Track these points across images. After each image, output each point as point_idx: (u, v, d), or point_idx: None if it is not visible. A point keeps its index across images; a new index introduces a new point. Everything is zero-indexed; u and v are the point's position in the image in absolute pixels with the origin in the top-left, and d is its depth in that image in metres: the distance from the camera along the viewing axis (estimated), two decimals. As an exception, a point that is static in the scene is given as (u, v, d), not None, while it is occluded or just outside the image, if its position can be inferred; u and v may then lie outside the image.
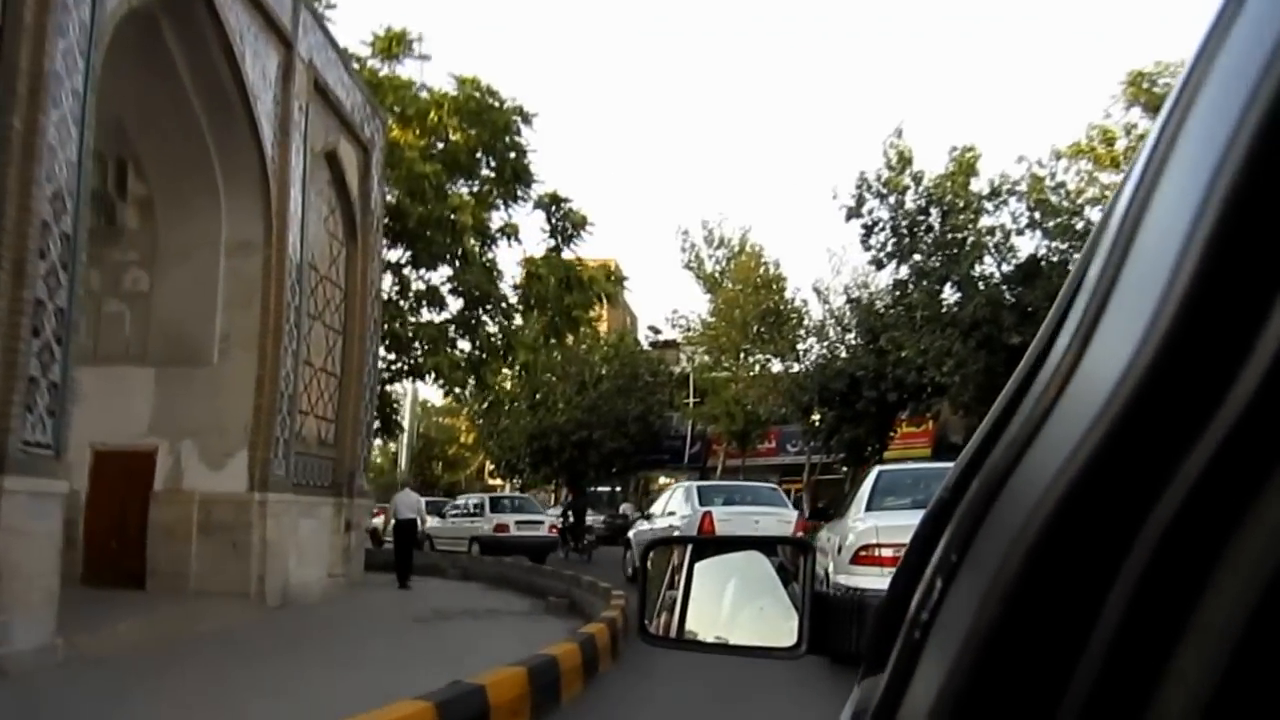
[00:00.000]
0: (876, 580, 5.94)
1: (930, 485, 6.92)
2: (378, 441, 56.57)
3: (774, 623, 1.20)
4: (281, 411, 10.85)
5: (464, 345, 20.45)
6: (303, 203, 11.42)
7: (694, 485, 15.55)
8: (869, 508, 7.51)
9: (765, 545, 1.46)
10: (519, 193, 20.42)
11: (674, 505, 14.98)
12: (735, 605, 1.39)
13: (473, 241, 17.62)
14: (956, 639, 0.42)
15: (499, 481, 45.13)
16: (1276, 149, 0.31)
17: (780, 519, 13.48)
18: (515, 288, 20.07)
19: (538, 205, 20.95)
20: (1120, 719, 0.33)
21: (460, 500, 24.82)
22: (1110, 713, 0.34)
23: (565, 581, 13.05)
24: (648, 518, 16.25)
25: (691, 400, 34.80)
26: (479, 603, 12.05)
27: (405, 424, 47.14)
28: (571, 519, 22.35)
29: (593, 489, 37.31)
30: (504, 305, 19.71)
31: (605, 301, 20.65)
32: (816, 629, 1.08)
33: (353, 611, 11.17)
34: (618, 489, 40.48)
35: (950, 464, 0.73)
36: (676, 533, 13.63)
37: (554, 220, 21.07)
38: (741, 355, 31.52)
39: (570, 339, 20.41)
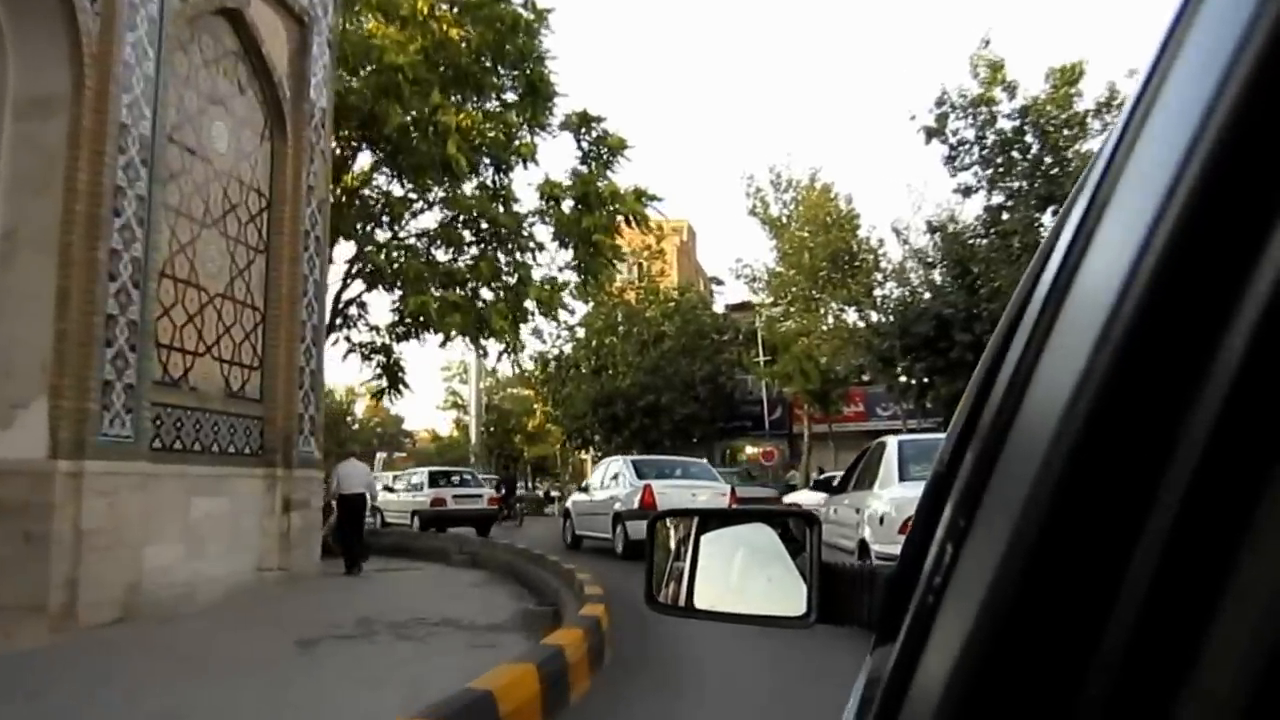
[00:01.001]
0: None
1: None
2: (449, 414, 54.38)
3: (783, 593, 1.18)
4: (117, 343, 7.40)
5: (486, 294, 16.87)
6: (156, 58, 7.87)
7: (630, 460, 15.95)
8: (902, 478, 7.55)
9: (771, 518, 1.35)
10: (544, 112, 16.61)
11: (611, 479, 15.24)
12: (744, 575, 1.37)
13: (456, 149, 13.82)
14: (973, 603, 0.41)
15: (584, 455, 41.79)
16: (1234, 145, 0.32)
17: (716, 491, 14.24)
18: (534, 216, 16.30)
19: (564, 127, 17.15)
20: (1155, 678, 0.32)
21: (405, 474, 24.74)
22: (1145, 672, 0.33)
23: (560, 578, 9.46)
24: (585, 490, 16.61)
25: (761, 358, 30.68)
26: (440, 606, 8.57)
27: (472, 393, 44.75)
28: (504, 491, 25.04)
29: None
30: (523, 240, 15.94)
31: (636, 224, 16.73)
32: (826, 599, 1.09)
33: (240, 623, 7.78)
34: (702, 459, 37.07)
35: None
36: (617, 504, 14.10)
37: (585, 145, 17.23)
38: (813, 305, 27.39)
39: (593, 277, 16.48)
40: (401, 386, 17.76)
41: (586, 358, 34.78)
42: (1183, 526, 0.32)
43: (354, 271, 15.61)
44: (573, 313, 18.53)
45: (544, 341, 35.44)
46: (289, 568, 10.20)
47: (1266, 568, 0.29)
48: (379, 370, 17.37)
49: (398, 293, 15.81)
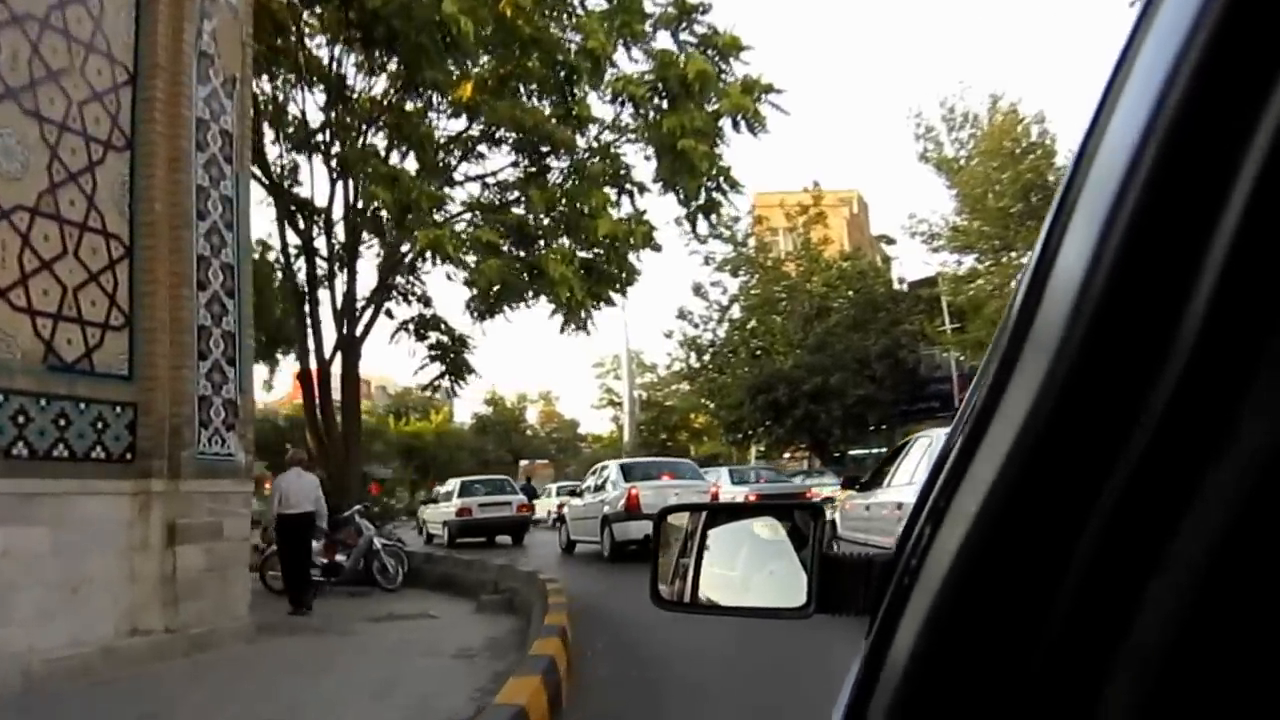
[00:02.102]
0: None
1: None
2: (606, 412, 51.59)
3: (785, 585, 1.20)
4: None
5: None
6: None
7: (618, 463, 16.12)
8: None
9: (779, 511, 1.38)
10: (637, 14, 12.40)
11: (601, 484, 15.34)
12: (747, 570, 1.39)
13: (457, 8, 9.73)
14: (939, 580, 0.45)
15: (750, 451, 37.22)
16: (1178, 147, 0.35)
17: (698, 490, 14.13)
18: (608, 131, 12.06)
19: (660, 24, 12.83)
20: (1095, 646, 0.37)
21: (444, 486, 24.09)
22: (1085, 641, 0.38)
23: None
24: (578, 495, 16.72)
25: (948, 325, 25.00)
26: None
27: (625, 388, 41.24)
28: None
29: (844, 452, 29.94)
30: (594, 166, 11.75)
31: (747, 128, 12.08)
32: (825, 589, 1.10)
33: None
34: (882, 450, 31.86)
35: None
36: (606, 508, 14.13)
37: (686, 42, 12.84)
38: (1004, 257, 21.74)
39: (699, 208, 12.03)
40: (463, 375, 14.21)
41: (743, 340, 30.21)
42: (1123, 518, 0.36)
43: (350, 216, 12.03)
44: (658, 249, 14.11)
45: (694, 325, 31.26)
46: (181, 628, 6.45)
47: (1196, 550, 0.34)
48: (435, 352, 13.87)
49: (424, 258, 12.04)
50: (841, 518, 10.09)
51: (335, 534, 13.11)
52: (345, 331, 15.14)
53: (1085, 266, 0.38)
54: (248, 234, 7.91)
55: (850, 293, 28.39)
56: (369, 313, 15.06)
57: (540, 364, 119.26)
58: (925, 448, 8.31)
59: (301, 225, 14.30)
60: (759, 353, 30.21)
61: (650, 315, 74.46)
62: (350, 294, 14.74)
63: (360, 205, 12.65)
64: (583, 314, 13.60)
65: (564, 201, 12.31)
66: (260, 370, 17.08)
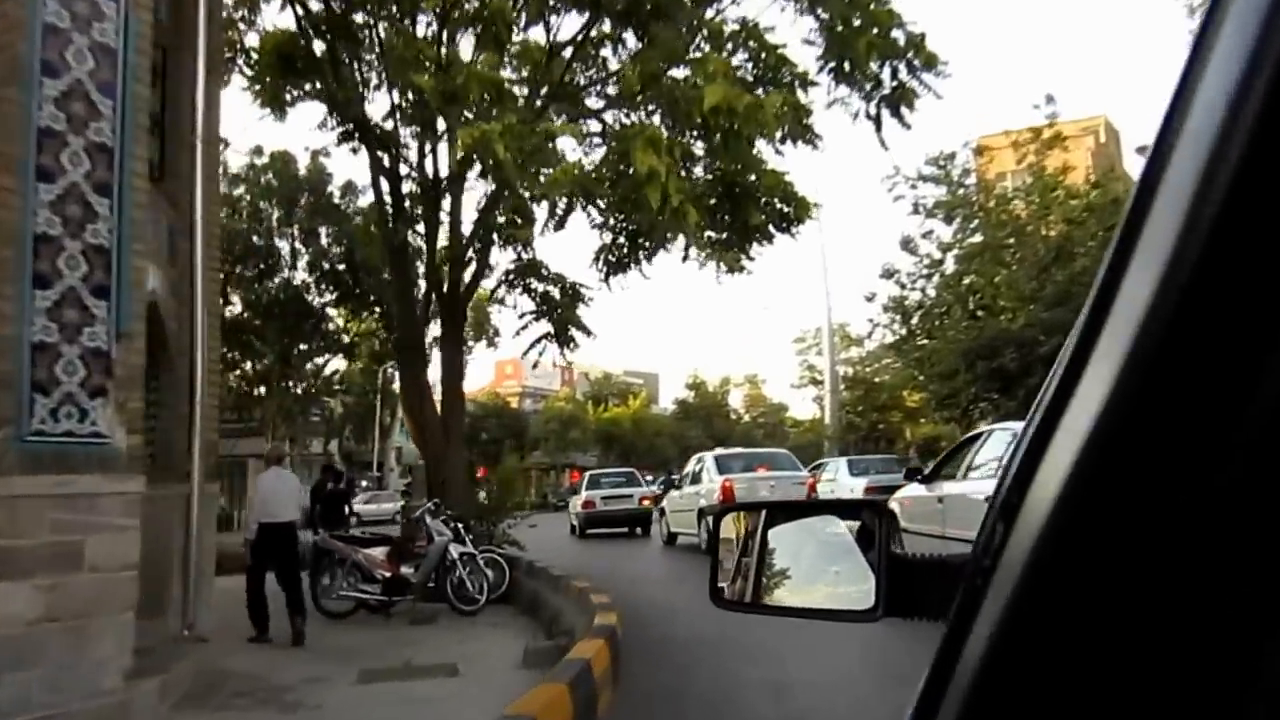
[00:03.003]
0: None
1: None
2: (807, 392, 47.85)
3: (850, 586, 1.16)
4: None
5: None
6: None
7: (713, 455, 16.21)
8: None
9: (842, 510, 1.37)
10: None
11: (697, 476, 15.54)
12: (811, 569, 1.34)
13: None
14: (1011, 581, 0.44)
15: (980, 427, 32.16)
16: (1250, 163, 0.35)
17: (795, 481, 14.54)
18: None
19: None
20: (1180, 653, 0.37)
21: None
22: (1168, 647, 0.37)
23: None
24: (677, 487, 17.14)
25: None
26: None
27: (826, 364, 37.16)
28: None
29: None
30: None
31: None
32: (893, 591, 1.07)
33: None
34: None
35: None
36: (702, 501, 14.52)
37: None
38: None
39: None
40: (569, 338, 11.79)
41: (958, 298, 25.50)
42: (1193, 523, 0.37)
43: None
44: (814, 142, 10.49)
45: (902, 285, 26.93)
46: None
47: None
48: (540, 308, 11.42)
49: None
50: (901, 513, 9.44)
51: (406, 541, 10.98)
52: (443, 290, 12.75)
53: (1166, 258, 0.38)
54: (144, 104, 5.24)
55: (1100, 232, 22.90)
56: (470, 269, 12.64)
57: (745, 345, 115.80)
58: (1006, 441, 8.14)
59: (387, 163, 12.08)
60: (979, 312, 25.25)
61: (858, 284, 68.73)
62: (454, 236, 12.39)
63: (402, 104, 10.14)
64: (705, 237, 10.30)
65: (664, 72, 9.04)
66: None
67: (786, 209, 12.74)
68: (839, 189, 71.22)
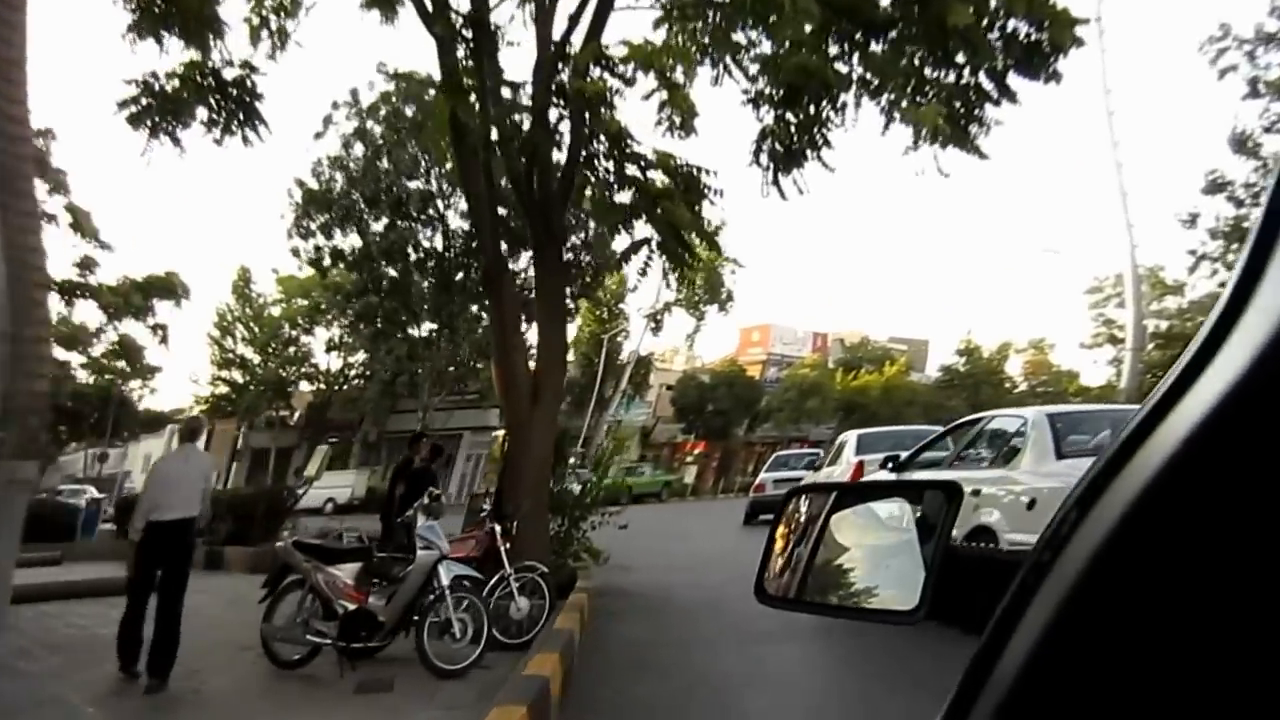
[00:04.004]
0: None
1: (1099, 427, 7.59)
2: (1102, 353, 39.64)
3: (898, 583, 1.14)
4: None
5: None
6: None
7: (856, 434, 14.93)
8: (1059, 456, 7.24)
9: (911, 491, 1.29)
10: None
11: (838, 455, 14.69)
12: (864, 562, 1.28)
13: None
14: (1072, 576, 0.44)
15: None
16: None
17: None
18: None
19: None
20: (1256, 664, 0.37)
21: None
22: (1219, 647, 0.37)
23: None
24: (815, 468, 16.00)
25: None
26: None
27: (1129, 314, 29.35)
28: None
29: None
30: None
31: None
32: (941, 591, 1.03)
33: None
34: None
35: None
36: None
37: None
38: None
39: None
40: (692, 248, 10.34)
41: None
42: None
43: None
44: None
45: (1236, 201, 19.64)
46: None
47: None
48: (635, 200, 7.69)
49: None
50: None
51: (386, 551, 7.88)
52: (531, 190, 10.49)
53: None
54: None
55: None
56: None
57: (1029, 304, 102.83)
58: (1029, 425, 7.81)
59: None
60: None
61: (1173, 205, 56.65)
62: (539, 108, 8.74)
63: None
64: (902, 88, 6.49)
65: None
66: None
67: (1034, 34, 7.70)
68: (1136, 67, 58.17)
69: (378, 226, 24.31)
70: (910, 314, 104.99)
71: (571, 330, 44.19)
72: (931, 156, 9.92)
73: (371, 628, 6.73)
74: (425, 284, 25.00)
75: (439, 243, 24.68)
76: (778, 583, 1.31)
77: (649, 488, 38.15)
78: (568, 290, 14.14)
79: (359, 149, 24.04)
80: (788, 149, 10.43)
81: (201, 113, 11.28)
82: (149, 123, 11.03)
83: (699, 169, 9.84)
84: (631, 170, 9.40)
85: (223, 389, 41.43)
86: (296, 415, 42.82)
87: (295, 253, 25.31)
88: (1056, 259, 64.05)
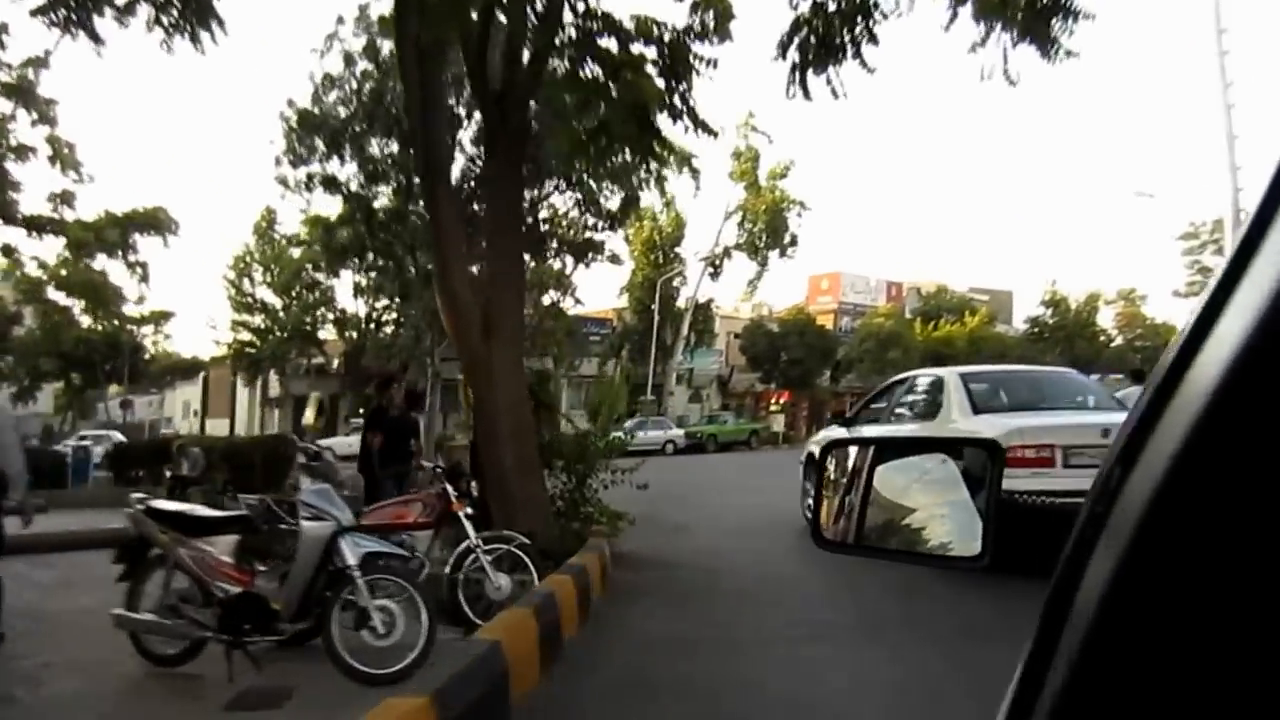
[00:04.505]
0: (1029, 482, 6.61)
1: (1019, 389, 8.89)
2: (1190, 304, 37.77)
3: (958, 530, 1.14)
4: None
5: None
6: None
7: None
8: (975, 411, 8.07)
9: (951, 446, 1.37)
10: None
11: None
12: (917, 511, 1.30)
13: None
14: (1130, 526, 0.43)
15: None
16: None
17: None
18: None
19: None
20: None
21: None
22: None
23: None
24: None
25: None
26: None
27: (1228, 252, 25.45)
28: None
29: None
30: None
31: None
32: (1002, 538, 1.04)
33: None
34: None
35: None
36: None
37: None
38: None
39: None
40: (670, 144, 9.13)
41: None
42: None
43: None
44: None
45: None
46: None
47: None
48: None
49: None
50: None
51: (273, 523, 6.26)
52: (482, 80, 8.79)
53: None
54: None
55: None
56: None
57: (1119, 252, 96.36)
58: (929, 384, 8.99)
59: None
60: None
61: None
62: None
63: None
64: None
65: None
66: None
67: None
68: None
69: (375, 151, 21.28)
70: (988, 262, 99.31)
71: (623, 275, 41.28)
72: (1001, 52, 8.35)
73: (262, 616, 5.24)
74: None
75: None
76: (834, 529, 1.35)
77: (735, 435, 38.85)
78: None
79: (364, 66, 21.00)
80: (823, 41, 8.74)
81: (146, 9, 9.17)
82: (56, 14, 9.01)
83: (687, 31, 8.14)
84: (608, 43, 7.82)
85: (245, 335, 38.92)
86: (335, 363, 40.65)
87: (283, 182, 22.40)
88: (1149, 203, 58.97)
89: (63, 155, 21.38)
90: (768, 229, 40.29)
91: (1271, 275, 0.39)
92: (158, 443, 21.73)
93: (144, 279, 26.68)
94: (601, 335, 42.76)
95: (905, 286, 56.05)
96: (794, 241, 41.17)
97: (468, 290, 8.93)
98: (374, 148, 21.04)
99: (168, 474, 11.51)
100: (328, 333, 39.35)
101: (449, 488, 6.59)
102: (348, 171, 21.77)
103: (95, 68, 74.00)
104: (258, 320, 38.88)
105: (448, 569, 6.49)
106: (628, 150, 9.60)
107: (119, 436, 28.50)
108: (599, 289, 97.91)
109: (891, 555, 1.33)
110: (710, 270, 41.77)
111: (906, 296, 54.79)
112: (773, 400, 48.07)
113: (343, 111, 21.20)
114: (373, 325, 36.89)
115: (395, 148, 20.43)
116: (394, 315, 35.31)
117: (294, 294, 38.10)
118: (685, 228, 41.88)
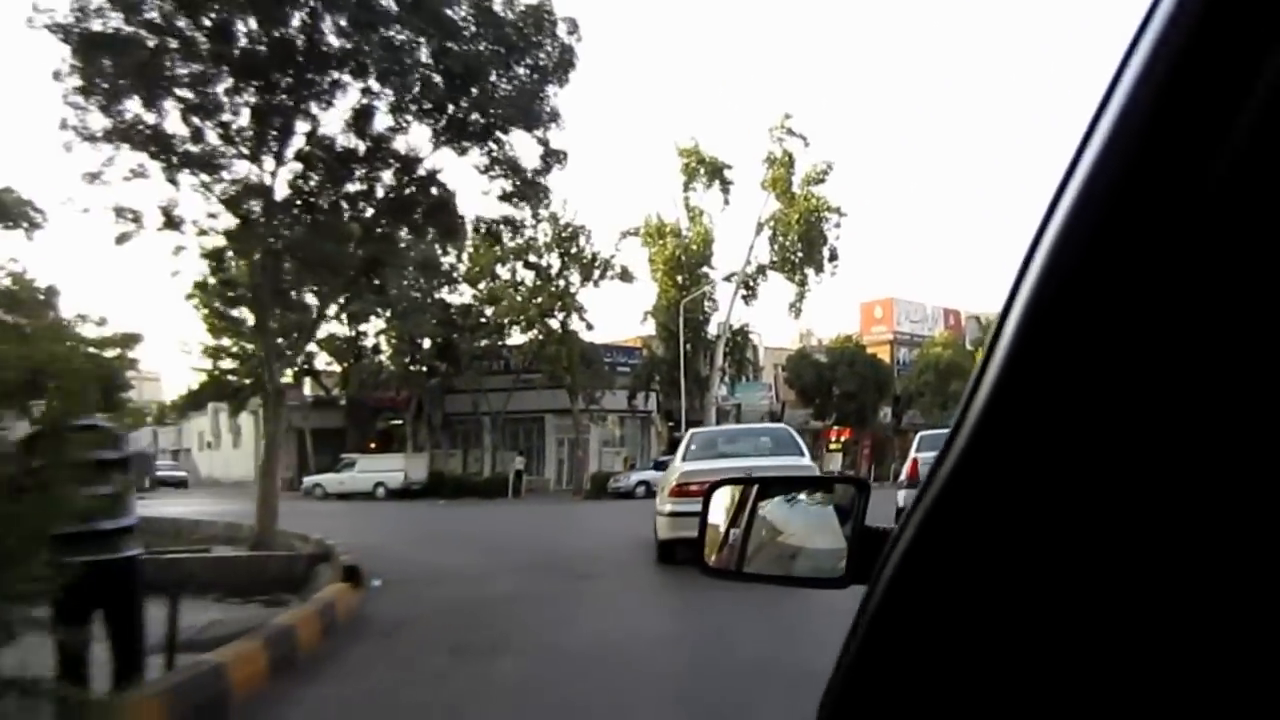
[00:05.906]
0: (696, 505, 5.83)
1: (724, 442, 12.79)
2: None
3: (826, 556, 1.29)
4: None
5: None
6: None
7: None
8: (684, 459, 11.74)
9: (825, 484, 1.58)
10: None
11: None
12: (794, 541, 1.46)
13: None
14: (905, 547, 0.52)
15: None
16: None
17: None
18: None
19: None
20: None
21: None
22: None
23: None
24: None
25: None
26: None
27: None
28: None
29: None
30: None
31: None
32: (862, 562, 1.17)
33: None
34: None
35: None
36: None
37: None
38: None
39: None
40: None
41: None
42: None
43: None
44: None
45: None
46: None
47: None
48: None
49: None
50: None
51: None
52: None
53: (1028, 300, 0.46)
54: None
55: None
56: None
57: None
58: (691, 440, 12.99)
59: None
60: None
61: None
62: None
63: None
64: None
65: None
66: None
67: None
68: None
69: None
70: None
71: (648, 296, 37.18)
72: None
73: None
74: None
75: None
76: (719, 558, 1.49)
77: (795, 476, 34.32)
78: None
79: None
80: None
81: None
82: None
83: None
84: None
85: (226, 362, 33.82)
86: (336, 392, 37.54)
87: (67, 147, 13.87)
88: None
89: None
90: (801, 240, 36.02)
91: (1029, 289, 0.45)
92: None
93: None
94: (631, 365, 39.08)
95: (964, 314, 53.20)
96: (834, 256, 36.87)
97: None
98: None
99: None
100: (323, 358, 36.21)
101: None
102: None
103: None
104: (233, 345, 32.94)
105: None
106: None
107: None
108: (624, 314, 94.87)
109: (767, 580, 1.46)
110: (743, 293, 37.64)
111: (966, 325, 52.23)
112: (832, 438, 45.30)
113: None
114: (355, 348, 33.08)
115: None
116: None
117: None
118: (713, 244, 37.85)
